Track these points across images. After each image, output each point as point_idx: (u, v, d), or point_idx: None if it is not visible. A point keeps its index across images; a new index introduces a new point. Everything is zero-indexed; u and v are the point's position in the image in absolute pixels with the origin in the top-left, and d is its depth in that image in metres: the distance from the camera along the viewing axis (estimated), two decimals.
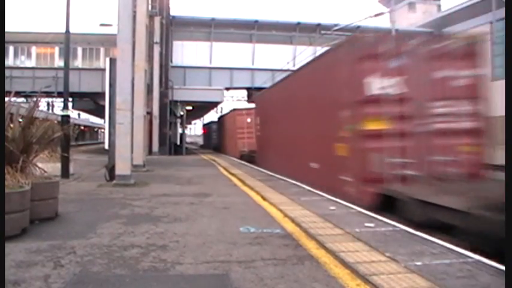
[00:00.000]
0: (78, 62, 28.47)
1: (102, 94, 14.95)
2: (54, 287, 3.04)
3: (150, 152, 22.69)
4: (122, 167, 9.57)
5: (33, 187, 4.85)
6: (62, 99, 11.90)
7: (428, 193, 6.01)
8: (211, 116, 64.50)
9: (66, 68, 11.50)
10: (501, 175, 3.04)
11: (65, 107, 11.17)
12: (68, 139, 11.06)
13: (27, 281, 3.12)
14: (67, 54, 11.60)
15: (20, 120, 5.67)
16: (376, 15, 25.44)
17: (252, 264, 3.64)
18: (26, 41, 28.04)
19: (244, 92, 36.25)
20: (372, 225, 5.17)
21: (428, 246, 4.14)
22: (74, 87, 23.14)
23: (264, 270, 3.47)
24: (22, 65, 28.85)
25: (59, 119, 10.82)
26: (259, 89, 31.87)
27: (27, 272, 3.34)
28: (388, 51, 7.28)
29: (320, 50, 28.07)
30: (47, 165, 7.22)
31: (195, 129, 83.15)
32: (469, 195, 5.37)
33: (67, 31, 11.04)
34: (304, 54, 27.68)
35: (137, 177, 10.44)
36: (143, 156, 14.51)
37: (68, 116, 11.09)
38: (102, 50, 28.86)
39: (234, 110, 26.78)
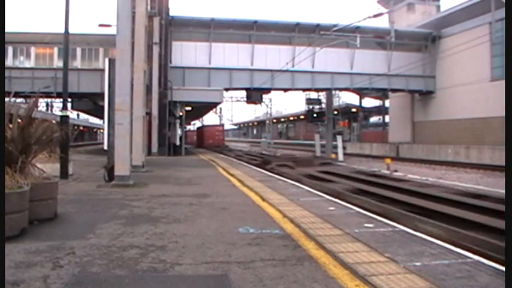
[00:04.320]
0: (77, 63, 28.37)
1: (101, 95, 14.94)
2: None
3: (149, 152, 22.67)
4: (121, 168, 9.56)
5: (32, 188, 4.84)
6: (61, 100, 11.89)
7: None
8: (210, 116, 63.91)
9: (65, 69, 11.48)
10: None
11: (64, 107, 11.16)
12: (67, 140, 11.04)
13: (26, 282, 3.11)
14: (66, 54, 11.58)
15: (19, 120, 5.66)
16: (375, 15, 25.50)
17: (251, 264, 3.64)
18: (25, 41, 27.96)
19: (243, 93, 36.22)
20: (371, 225, 5.18)
21: (427, 247, 4.15)
22: (73, 88, 23.18)
23: (264, 270, 3.47)
24: (21, 66, 28.71)
25: (58, 119, 10.81)
26: (259, 89, 31.96)
27: (26, 272, 3.34)
28: None
29: (319, 50, 28.15)
30: (45, 166, 7.20)
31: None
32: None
33: (66, 31, 11.02)
34: (303, 54, 27.72)
35: (136, 177, 10.43)
36: (142, 157, 14.50)
37: (67, 117, 11.08)
38: (101, 50, 28.78)
39: None
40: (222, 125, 60.47)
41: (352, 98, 54.13)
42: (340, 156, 28.57)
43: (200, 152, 33.72)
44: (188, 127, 62.97)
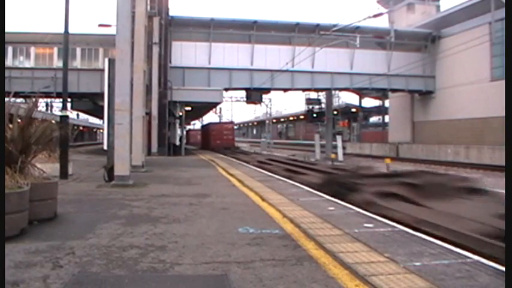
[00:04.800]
0: (77, 63, 28.35)
1: (101, 95, 14.93)
2: None
3: (149, 152, 22.66)
4: (121, 168, 9.56)
5: (32, 188, 4.84)
6: (61, 100, 11.88)
7: None
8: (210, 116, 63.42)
9: (65, 69, 11.48)
10: None
11: (64, 107, 11.16)
12: (67, 140, 11.04)
13: (26, 282, 3.11)
14: (66, 54, 11.59)
15: (19, 120, 5.66)
16: (375, 15, 25.50)
17: (251, 264, 3.64)
18: (25, 41, 27.96)
19: (243, 93, 36.22)
20: (371, 225, 5.18)
21: (427, 247, 4.15)
22: (72, 88, 23.13)
23: (263, 270, 3.47)
24: (21, 66, 28.69)
25: (58, 119, 10.80)
26: (258, 89, 31.96)
27: (26, 272, 3.34)
28: None
29: (319, 50, 28.14)
30: (45, 166, 7.20)
31: None
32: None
33: (66, 31, 11.02)
34: (303, 54, 27.70)
35: (136, 177, 10.44)
36: (142, 157, 14.49)
37: (67, 117, 11.07)
38: (101, 50, 28.76)
39: None
40: (232, 122, 51.88)
41: (352, 98, 54.20)
42: (340, 157, 28.58)
43: (201, 152, 33.68)
44: (189, 127, 62.23)
